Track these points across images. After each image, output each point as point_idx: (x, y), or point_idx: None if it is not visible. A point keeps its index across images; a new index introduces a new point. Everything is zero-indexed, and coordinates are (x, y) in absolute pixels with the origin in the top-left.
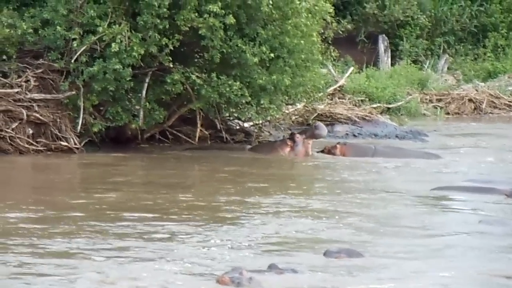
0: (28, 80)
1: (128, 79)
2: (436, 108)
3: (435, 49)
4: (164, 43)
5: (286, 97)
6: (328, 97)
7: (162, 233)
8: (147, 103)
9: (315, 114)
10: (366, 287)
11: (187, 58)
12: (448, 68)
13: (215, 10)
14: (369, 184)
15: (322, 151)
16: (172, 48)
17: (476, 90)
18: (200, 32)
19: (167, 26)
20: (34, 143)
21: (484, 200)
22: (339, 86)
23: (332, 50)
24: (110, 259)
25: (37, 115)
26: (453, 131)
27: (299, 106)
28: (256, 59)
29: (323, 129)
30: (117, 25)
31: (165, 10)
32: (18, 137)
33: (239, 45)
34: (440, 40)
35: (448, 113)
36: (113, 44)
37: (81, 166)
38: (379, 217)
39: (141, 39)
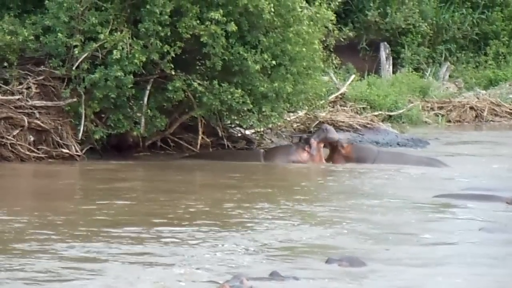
0: (29, 87)
1: (129, 86)
2: (438, 116)
3: (436, 57)
4: (165, 50)
5: (288, 105)
6: (330, 104)
7: (167, 239)
8: (149, 111)
9: (317, 122)
10: None
11: (189, 65)
12: (449, 76)
13: (216, 17)
14: (372, 190)
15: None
16: (173, 56)
17: (478, 98)
18: (201, 39)
19: (169, 33)
20: (36, 150)
21: (485, 208)
22: (340, 94)
23: (333, 58)
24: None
25: (39, 122)
26: (455, 138)
27: (301, 113)
28: (257, 67)
29: (334, 132)
30: (118, 32)
31: (166, 17)
32: (19, 144)
33: (241, 52)
34: (442, 48)
35: (449, 121)
36: (114, 51)
37: (83, 173)
38: (382, 224)
39: (142, 46)
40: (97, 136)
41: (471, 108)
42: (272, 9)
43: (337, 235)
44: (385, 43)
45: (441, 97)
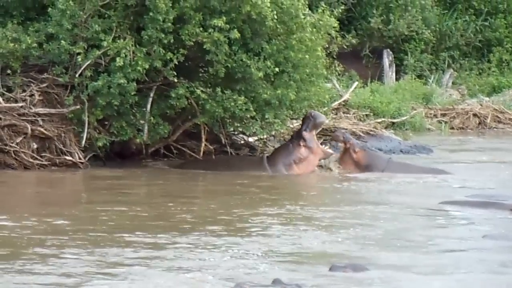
0: (33, 95)
1: (132, 93)
2: (441, 123)
3: (439, 63)
4: (168, 57)
5: (291, 112)
6: (333, 111)
7: (174, 244)
8: (152, 118)
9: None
10: None
11: (192, 72)
12: (452, 83)
13: (219, 24)
14: (377, 197)
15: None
16: (176, 63)
17: (481, 105)
18: (204, 46)
19: (172, 41)
20: (39, 158)
21: (489, 215)
22: (343, 101)
23: (336, 65)
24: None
25: (42, 129)
26: (458, 146)
27: None
28: (260, 74)
29: (320, 115)
30: (121, 40)
31: (169, 24)
32: (22, 152)
33: (244, 59)
34: (445, 55)
35: (452, 128)
36: (117, 59)
37: (87, 180)
38: (387, 231)
39: (145, 54)
40: (100, 144)
41: (474, 115)
42: (275, 16)
43: (342, 242)
44: (388, 50)
45: (444, 104)
